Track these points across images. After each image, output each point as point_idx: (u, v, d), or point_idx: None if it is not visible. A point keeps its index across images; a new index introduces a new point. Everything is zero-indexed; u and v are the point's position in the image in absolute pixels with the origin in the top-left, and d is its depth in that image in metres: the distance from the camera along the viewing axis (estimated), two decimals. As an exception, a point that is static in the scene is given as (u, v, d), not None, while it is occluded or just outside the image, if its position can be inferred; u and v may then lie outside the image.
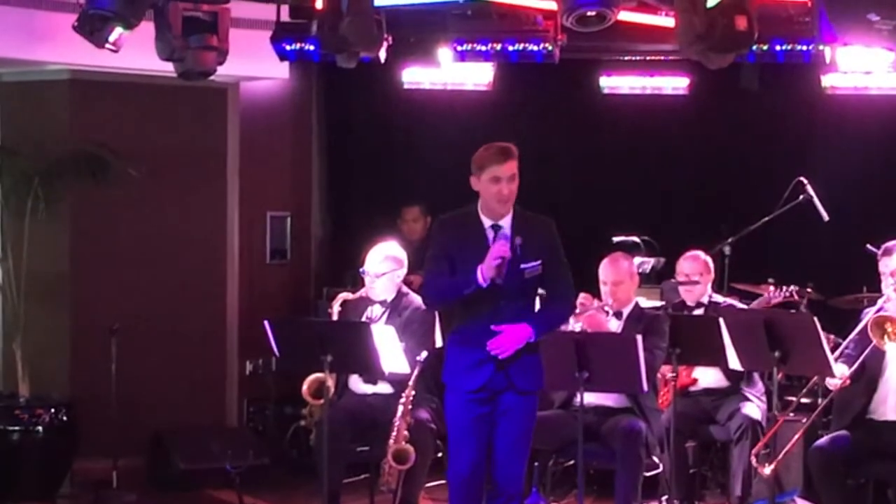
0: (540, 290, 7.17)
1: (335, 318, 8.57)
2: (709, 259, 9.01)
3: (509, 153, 7.01)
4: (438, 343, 8.67)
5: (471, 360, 7.02)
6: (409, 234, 10.74)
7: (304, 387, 8.60)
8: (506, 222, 7.07)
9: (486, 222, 7.06)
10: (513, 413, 7.06)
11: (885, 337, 7.77)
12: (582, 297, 8.30)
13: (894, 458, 7.83)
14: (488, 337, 6.94)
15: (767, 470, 7.65)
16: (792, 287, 9.32)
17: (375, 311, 8.66)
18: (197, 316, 10.70)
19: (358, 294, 8.69)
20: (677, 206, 11.28)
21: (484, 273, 6.87)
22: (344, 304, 8.66)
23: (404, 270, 8.70)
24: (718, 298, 8.95)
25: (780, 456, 7.73)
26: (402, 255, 8.72)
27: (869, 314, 7.98)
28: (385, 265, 8.63)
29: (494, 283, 6.90)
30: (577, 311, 8.17)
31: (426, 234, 10.58)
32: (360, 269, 8.72)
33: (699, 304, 8.86)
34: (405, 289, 8.73)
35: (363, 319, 8.51)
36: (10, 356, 9.89)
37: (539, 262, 7.03)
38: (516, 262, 6.97)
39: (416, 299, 8.67)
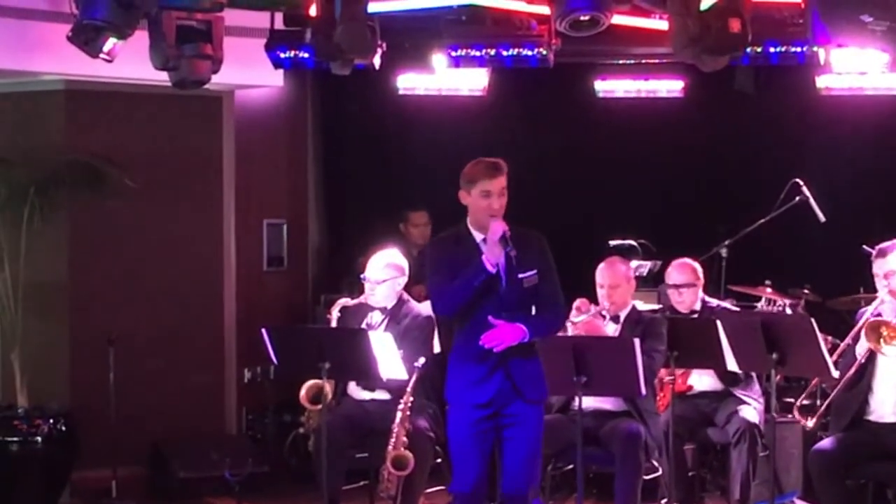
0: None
1: (334, 323, 8.57)
2: (697, 266, 8.95)
3: (499, 168, 7.01)
4: (437, 349, 8.67)
5: (478, 375, 7.01)
6: (417, 238, 10.72)
7: (303, 392, 8.61)
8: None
9: (478, 237, 7.05)
10: (522, 423, 7.05)
11: (881, 341, 7.78)
12: (578, 302, 8.31)
13: (893, 458, 7.82)
14: (491, 349, 6.93)
15: (810, 423, 8.14)
16: (788, 302, 9.34)
17: (375, 317, 8.65)
18: (195, 324, 10.68)
19: (357, 300, 8.68)
20: (674, 209, 11.28)
21: (489, 257, 6.89)
22: (343, 309, 8.65)
23: (405, 278, 8.69)
24: (713, 302, 8.93)
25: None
26: (404, 262, 8.72)
27: (865, 315, 7.99)
28: (386, 272, 8.62)
29: (497, 287, 6.92)
30: (574, 317, 8.18)
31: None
32: (361, 276, 8.72)
33: (692, 312, 8.84)
34: (406, 296, 8.72)
35: (363, 326, 8.51)
36: (8, 367, 9.85)
37: (535, 271, 7.03)
38: (513, 271, 6.98)
39: (416, 307, 8.67)
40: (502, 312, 6.94)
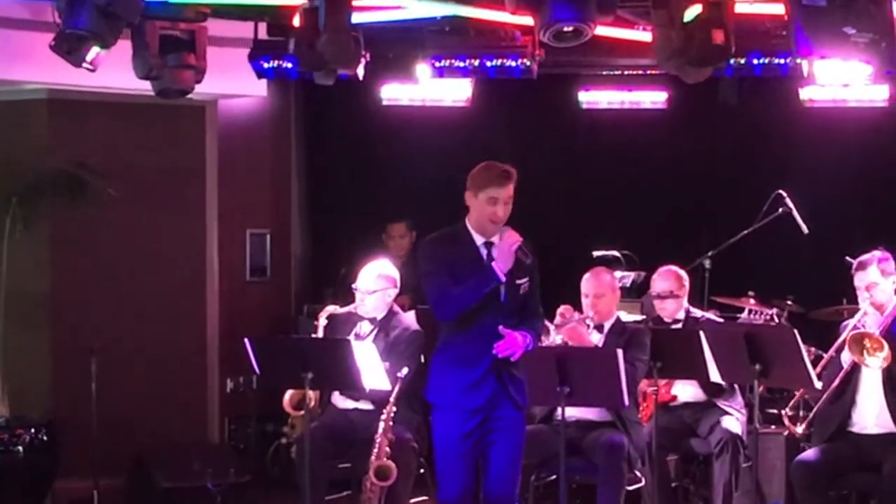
0: None
1: (321, 331, 8.56)
2: (683, 274, 8.96)
3: (510, 176, 7.01)
4: (423, 361, 8.66)
5: (471, 379, 7.02)
6: (395, 250, 10.70)
7: (286, 398, 8.61)
8: (496, 241, 7.08)
9: (479, 239, 7.07)
10: (510, 428, 7.09)
11: (864, 352, 7.80)
12: (563, 309, 8.31)
13: (875, 469, 7.83)
14: (488, 353, 6.95)
15: (799, 429, 8.24)
16: (773, 310, 9.36)
17: (364, 327, 8.64)
18: (177, 334, 10.66)
19: (347, 309, 8.68)
20: (657, 220, 11.29)
21: (500, 266, 6.91)
22: (331, 317, 8.64)
23: (396, 290, 8.69)
24: (696, 312, 8.94)
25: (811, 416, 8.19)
26: (396, 274, 8.71)
27: (848, 327, 8.01)
28: (377, 283, 8.61)
29: (497, 293, 6.94)
30: (559, 322, 8.18)
31: (412, 250, 10.54)
32: (352, 286, 8.71)
33: (676, 321, 8.85)
34: (396, 308, 8.71)
35: (352, 335, 8.50)
36: (-11, 376, 9.86)
37: (527, 279, 7.09)
38: (513, 278, 7.01)
39: (406, 319, 8.66)
40: (500, 318, 6.96)
